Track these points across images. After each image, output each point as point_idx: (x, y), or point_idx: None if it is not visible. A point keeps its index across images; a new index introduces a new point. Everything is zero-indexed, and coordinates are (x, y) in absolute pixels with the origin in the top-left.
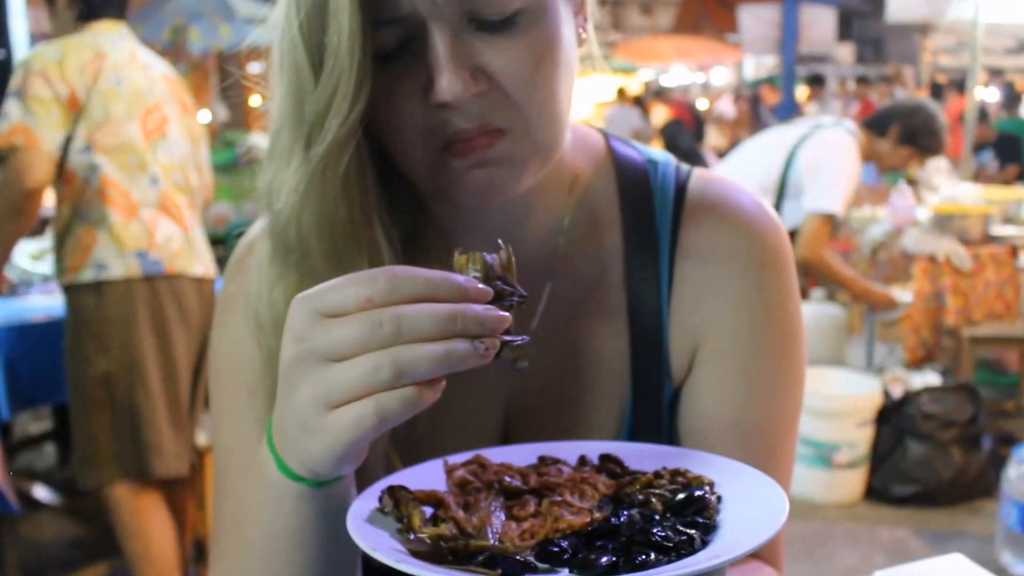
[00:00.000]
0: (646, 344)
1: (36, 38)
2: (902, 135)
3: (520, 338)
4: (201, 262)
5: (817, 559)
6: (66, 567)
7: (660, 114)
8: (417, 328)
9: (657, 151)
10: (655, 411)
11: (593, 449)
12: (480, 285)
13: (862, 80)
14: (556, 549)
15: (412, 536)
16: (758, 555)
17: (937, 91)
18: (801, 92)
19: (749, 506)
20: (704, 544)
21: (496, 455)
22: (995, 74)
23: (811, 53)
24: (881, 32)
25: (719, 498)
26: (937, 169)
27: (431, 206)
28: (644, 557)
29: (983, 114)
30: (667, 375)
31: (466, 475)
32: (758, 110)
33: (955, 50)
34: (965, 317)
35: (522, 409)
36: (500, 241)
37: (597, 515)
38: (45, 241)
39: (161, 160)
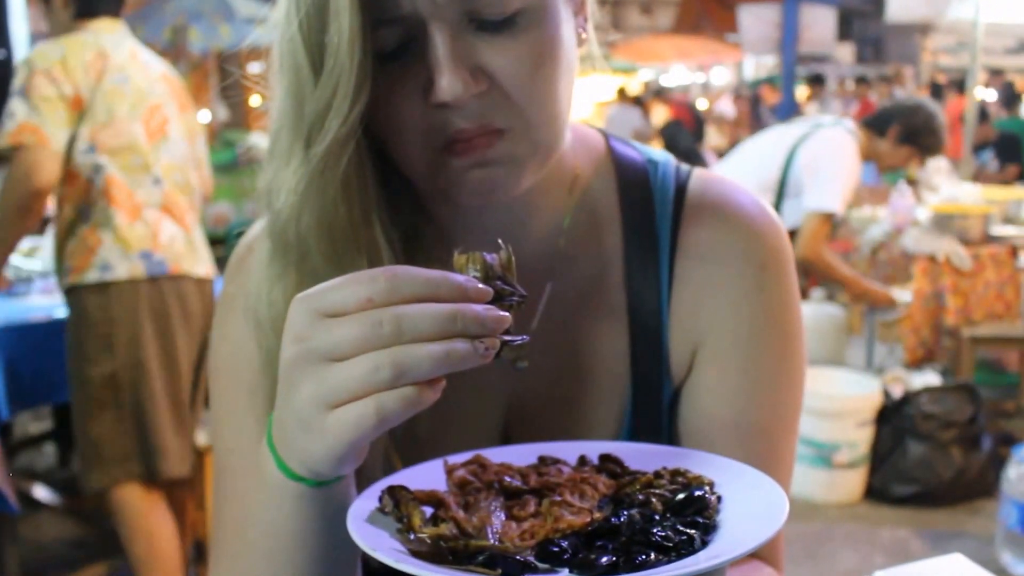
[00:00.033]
0: (646, 344)
1: (36, 38)
2: (902, 134)
3: (520, 338)
4: (202, 262)
5: (817, 559)
6: (66, 567)
7: (660, 114)
8: (417, 328)
9: (657, 151)
10: (655, 411)
11: (593, 449)
12: (480, 285)
13: (861, 80)
14: (556, 549)
15: (412, 536)
16: (758, 555)
17: (937, 91)
18: (801, 92)
19: (749, 506)
20: (704, 544)
21: (496, 455)
22: (995, 74)
23: (811, 53)
24: (881, 32)
25: (719, 498)
26: (937, 169)
27: (431, 206)
28: (644, 557)
29: (983, 114)
30: (667, 375)
31: (466, 475)
32: (758, 110)
33: (955, 50)
34: (965, 317)
35: (522, 409)
36: (500, 241)
37: (597, 515)
38: (39, 240)
39: (163, 161)
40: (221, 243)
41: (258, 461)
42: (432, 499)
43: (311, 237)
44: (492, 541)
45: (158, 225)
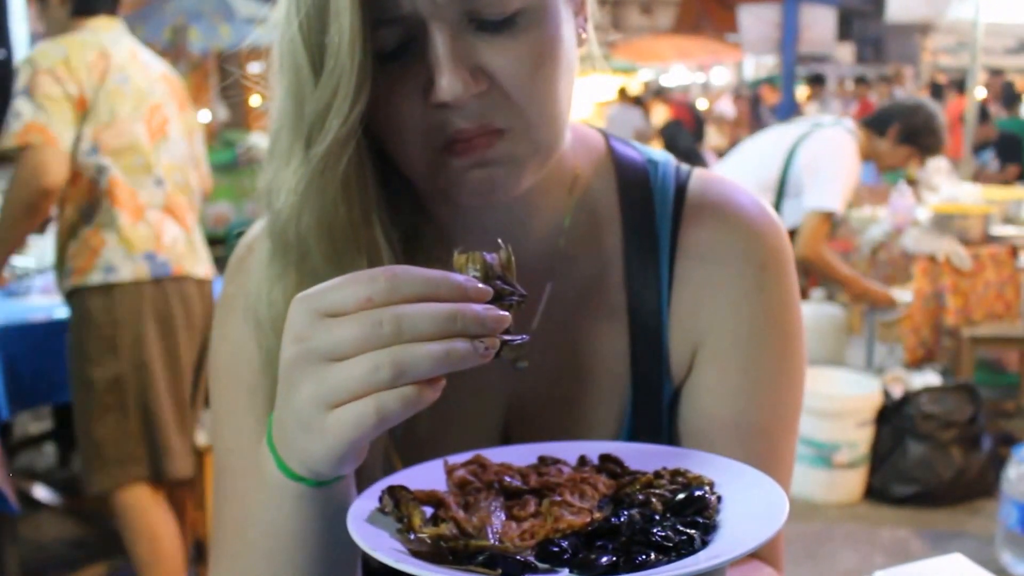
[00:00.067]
0: (646, 344)
1: (36, 38)
2: (902, 134)
3: (520, 337)
4: (202, 263)
5: (817, 559)
6: (66, 567)
7: (660, 114)
8: (417, 328)
9: (657, 151)
10: (655, 411)
11: (593, 449)
12: (480, 285)
13: (860, 80)
14: (556, 549)
15: (412, 536)
16: (758, 555)
17: (937, 91)
18: (801, 92)
19: (749, 506)
20: (704, 544)
21: (496, 455)
22: (995, 74)
23: (811, 53)
24: (881, 32)
25: (719, 498)
26: (937, 169)
27: (431, 206)
28: (644, 557)
29: (984, 114)
30: (667, 375)
31: (466, 475)
32: (758, 110)
33: (955, 50)
34: (965, 317)
35: (522, 409)
36: (500, 240)
37: (597, 515)
38: (38, 239)
39: (164, 161)
40: (221, 243)
41: (258, 461)
42: (432, 499)
43: (311, 237)
44: (492, 541)
45: (161, 226)
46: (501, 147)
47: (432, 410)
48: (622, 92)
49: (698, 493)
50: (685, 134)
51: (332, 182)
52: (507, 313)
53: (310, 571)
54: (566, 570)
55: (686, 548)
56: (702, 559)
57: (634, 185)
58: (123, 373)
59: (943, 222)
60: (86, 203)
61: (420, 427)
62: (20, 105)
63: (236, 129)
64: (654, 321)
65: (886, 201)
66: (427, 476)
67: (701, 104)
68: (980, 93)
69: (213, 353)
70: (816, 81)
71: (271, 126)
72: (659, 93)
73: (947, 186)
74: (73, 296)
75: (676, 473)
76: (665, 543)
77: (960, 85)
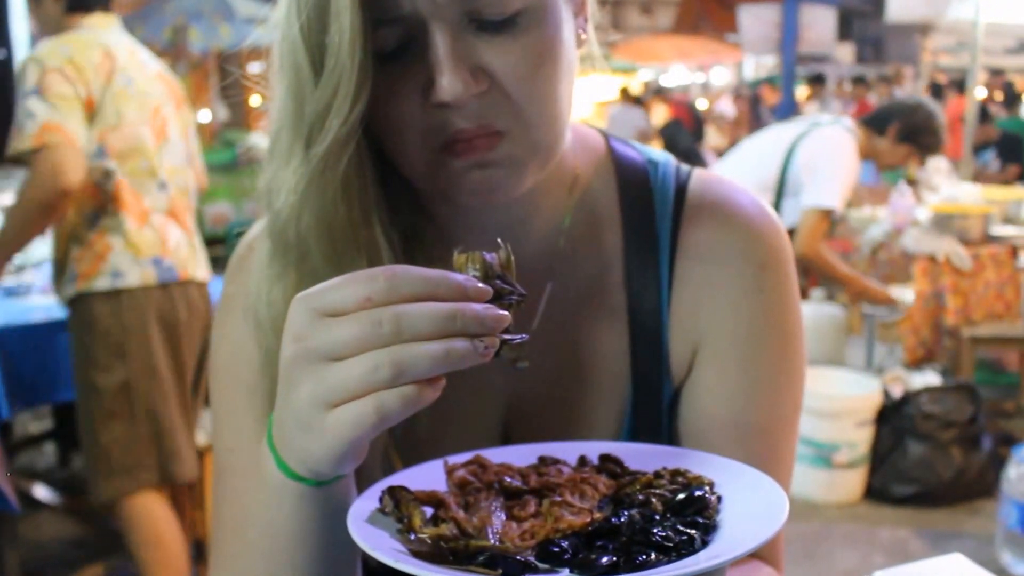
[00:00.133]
0: (646, 344)
1: (36, 38)
2: (901, 133)
3: (520, 337)
4: (202, 265)
5: (817, 559)
6: (66, 567)
7: (660, 114)
8: (416, 327)
9: (657, 151)
10: (655, 411)
11: (593, 449)
12: (479, 284)
13: (859, 81)
14: (556, 549)
15: (413, 536)
16: (758, 555)
17: (937, 91)
18: (801, 92)
19: (749, 506)
20: (704, 544)
21: (496, 455)
22: (995, 74)
23: (811, 53)
24: (881, 32)
25: (719, 498)
26: (937, 169)
27: (431, 206)
28: (644, 557)
29: (984, 114)
30: (667, 375)
31: (466, 475)
32: (758, 110)
33: (955, 50)
34: (965, 317)
35: (522, 409)
36: (499, 240)
37: (597, 515)
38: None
39: (166, 164)
40: (221, 243)
41: (258, 461)
42: (432, 499)
43: (311, 237)
44: (492, 541)
45: (165, 230)
46: (501, 148)
47: (432, 410)
48: (624, 92)
49: (698, 493)
50: (685, 134)
51: (332, 182)
52: (507, 313)
53: (310, 571)
54: (566, 570)
55: (686, 548)
56: (702, 559)
57: (634, 185)
58: (131, 379)
59: (943, 222)
60: (91, 207)
61: (420, 427)
62: (33, 105)
63: (236, 129)
64: (654, 321)
65: (886, 201)
66: (427, 476)
67: (701, 104)
68: (980, 93)
69: (213, 353)
70: (816, 81)
71: (271, 126)
72: (659, 93)
73: (947, 186)
74: (77, 301)
75: (676, 473)
76: (665, 543)
77: (960, 85)
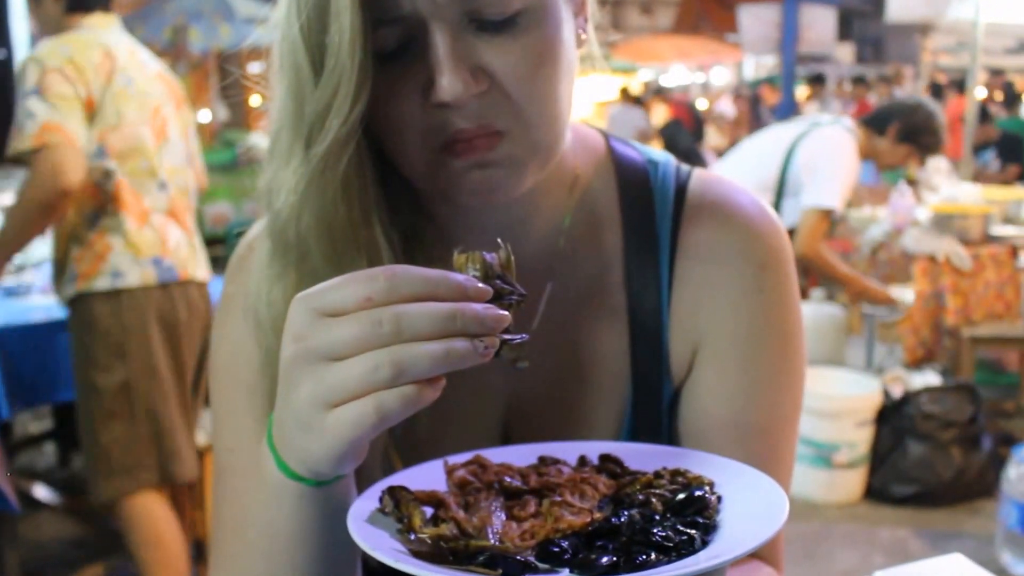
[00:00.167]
0: (646, 344)
1: (36, 38)
2: (901, 133)
3: (520, 337)
4: (202, 265)
5: (817, 559)
6: (66, 567)
7: (660, 114)
8: (416, 327)
9: (657, 151)
10: (655, 411)
11: (593, 449)
12: (479, 284)
13: (858, 81)
14: (556, 549)
15: (413, 536)
16: (758, 555)
17: (937, 91)
18: (801, 92)
19: (749, 506)
20: (704, 544)
21: (496, 455)
22: (995, 74)
23: (811, 53)
24: (881, 32)
25: (719, 498)
26: (937, 169)
27: (431, 206)
28: (644, 557)
29: (985, 114)
30: (667, 375)
31: (466, 475)
32: (758, 110)
33: (955, 50)
34: (965, 317)
35: (522, 409)
36: (499, 240)
37: (597, 515)
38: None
39: (166, 164)
40: (221, 243)
41: (258, 461)
42: (432, 499)
43: (311, 237)
44: (492, 541)
45: (165, 230)
46: (501, 148)
47: (432, 410)
48: (624, 92)
49: (698, 493)
50: (685, 134)
51: (332, 182)
52: (507, 312)
53: (310, 571)
54: (566, 570)
55: (686, 548)
56: (702, 559)
57: (634, 185)
58: (131, 379)
59: (943, 222)
60: (91, 207)
61: (420, 427)
62: (33, 105)
63: (236, 129)
64: (654, 321)
65: (886, 201)
66: (427, 476)
67: (701, 104)
68: (980, 93)
69: (213, 353)
70: (816, 81)
71: (271, 126)
72: (659, 93)
73: (947, 186)
74: (77, 301)
75: (676, 473)
76: (665, 543)
77: (960, 85)
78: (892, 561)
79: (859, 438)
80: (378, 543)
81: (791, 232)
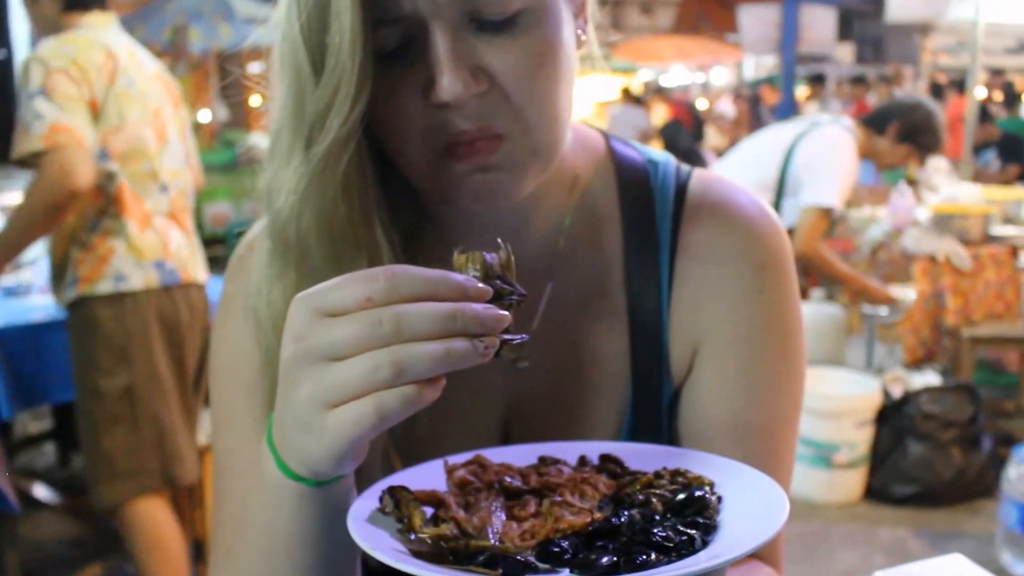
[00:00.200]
0: (646, 344)
1: (36, 38)
2: (901, 133)
3: (520, 337)
4: (201, 267)
5: (816, 559)
6: (66, 567)
7: (660, 114)
8: (416, 327)
9: (657, 151)
10: (655, 411)
11: (593, 449)
12: (479, 284)
13: (857, 81)
14: (557, 549)
15: (413, 536)
16: (758, 555)
17: (937, 91)
18: (801, 92)
19: (749, 506)
20: (704, 544)
21: (496, 455)
22: (995, 74)
23: (811, 53)
24: (881, 32)
25: (719, 498)
26: (937, 169)
27: (431, 206)
28: (645, 557)
29: (985, 114)
30: (667, 375)
31: (466, 475)
32: (758, 110)
33: (955, 50)
34: (965, 317)
35: (522, 409)
36: (499, 240)
37: (598, 515)
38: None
39: (166, 166)
40: (221, 243)
41: (258, 461)
42: (432, 499)
43: (311, 236)
44: (493, 541)
45: (167, 233)
46: (502, 152)
47: (432, 410)
48: (625, 92)
49: (698, 493)
50: (685, 134)
51: (332, 182)
52: (507, 313)
53: (310, 571)
54: (567, 570)
55: (686, 548)
56: (702, 559)
57: (634, 185)
58: (134, 383)
59: (943, 222)
60: (92, 210)
61: (420, 427)
62: (39, 106)
63: (236, 129)
64: (654, 321)
65: (886, 201)
66: (427, 476)
67: (701, 104)
68: (981, 93)
69: (213, 352)
70: (816, 81)
71: (272, 126)
72: (659, 93)
73: (947, 186)
74: (78, 305)
75: (676, 473)
76: (666, 543)
77: (960, 85)
78: (892, 561)
79: (859, 438)
80: (378, 543)
81: (790, 231)
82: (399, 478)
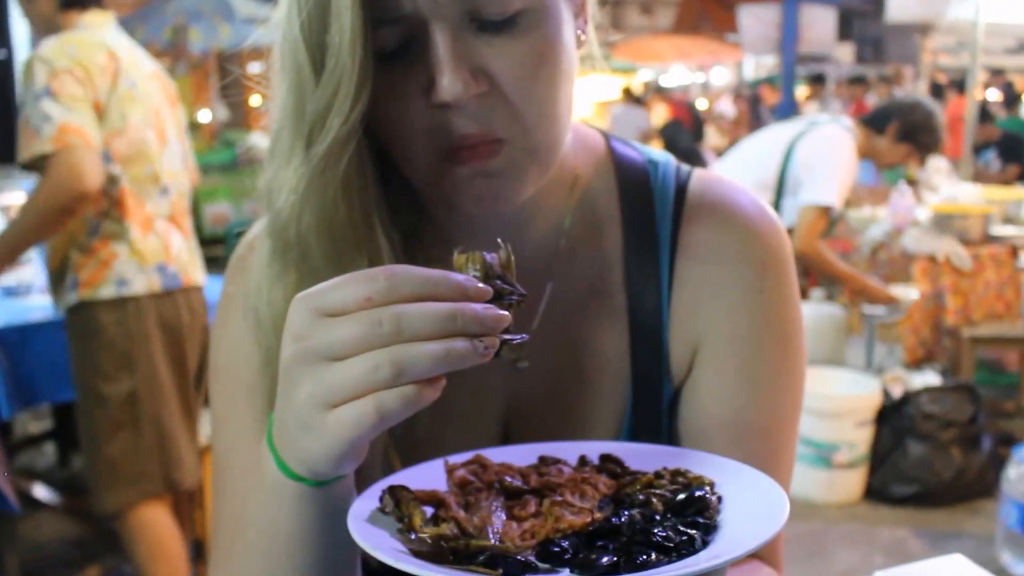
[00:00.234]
0: (646, 344)
1: (36, 38)
2: (900, 132)
3: (520, 337)
4: (200, 269)
5: (816, 559)
6: (66, 567)
7: (660, 114)
8: (416, 327)
9: (657, 151)
10: (655, 411)
11: (593, 449)
12: (480, 284)
13: (856, 81)
14: (557, 549)
15: (413, 536)
16: (758, 555)
17: (937, 91)
18: (801, 92)
19: (750, 506)
20: (705, 544)
21: (496, 455)
22: (995, 74)
23: (811, 53)
24: (881, 32)
25: (720, 498)
26: (937, 169)
27: (431, 206)
28: (645, 557)
29: (985, 114)
30: (667, 375)
31: (467, 475)
32: (758, 110)
33: (955, 50)
34: (965, 317)
35: (522, 409)
36: (499, 240)
37: (598, 515)
38: None
39: (167, 168)
40: (221, 243)
41: (257, 461)
42: (433, 499)
43: (311, 236)
44: (493, 541)
45: (168, 237)
46: (503, 156)
47: (432, 410)
48: (626, 92)
49: (699, 493)
50: (685, 134)
51: (332, 181)
52: (507, 312)
53: (310, 571)
54: (567, 570)
55: (687, 548)
56: (703, 559)
57: (634, 185)
58: (136, 388)
59: (943, 222)
60: (94, 213)
61: (419, 427)
62: (47, 107)
63: (236, 129)
64: (654, 321)
65: (886, 201)
66: (427, 476)
67: (701, 104)
68: (992, 95)
69: (213, 352)
70: (816, 81)
71: (272, 125)
72: (659, 92)
73: (947, 186)
74: (79, 309)
75: (677, 473)
76: (666, 543)
77: (960, 85)
78: (892, 561)
79: (859, 438)
80: (378, 543)
81: (790, 231)
82: (399, 478)
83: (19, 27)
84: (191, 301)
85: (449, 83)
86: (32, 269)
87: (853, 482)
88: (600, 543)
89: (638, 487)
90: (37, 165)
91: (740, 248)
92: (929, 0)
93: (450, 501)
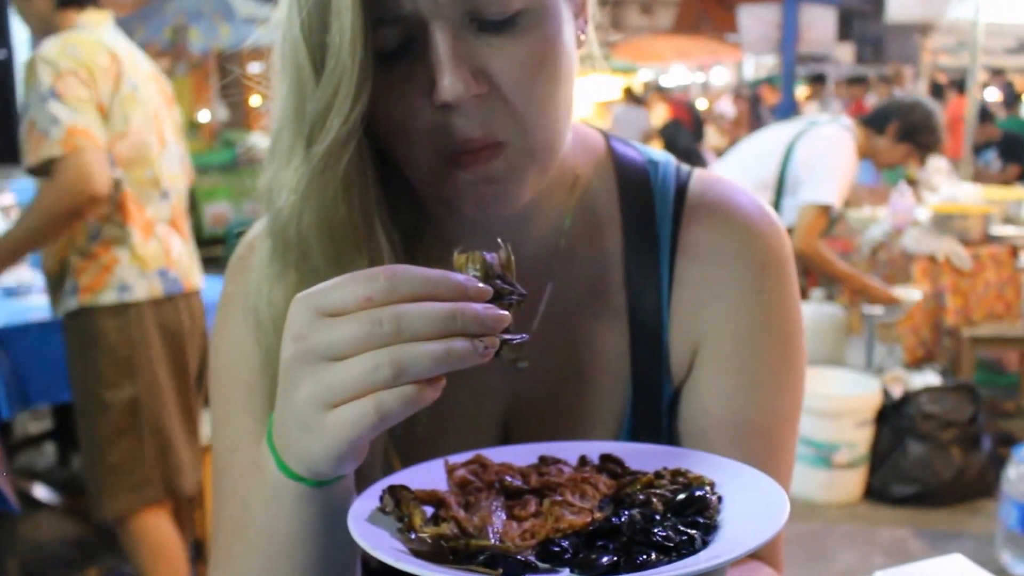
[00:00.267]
0: (646, 344)
1: (37, 38)
2: (900, 132)
3: (520, 337)
4: (199, 273)
5: (816, 559)
6: (66, 567)
7: (660, 114)
8: (416, 327)
9: (657, 151)
10: (655, 411)
11: (594, 449)
12: (480, 284)
13: (855, 81)
14: (557, 549)
15: (413, 536)
16: (758, 555)
17: (937, 91)
18: (801, 92)
19: (750, 506)
20: (705, 544)
21: (497, 455)
22: (995, 74)
23: (811, 53)
24: (881, 32)
25: (720, 498)
26: (937, 169)
27: (431, 206)
28: (645, 557)
29: (986, 114)
30: (667, 375)
31: (467, 475)
32: (758, 110)
33: (955, 50)
34: (965, 317)
35: (522, 409)
36: (500, 240)
37: (598, 515)
38: None
39: (166, 172)
40: (221, 243)
41: (257, 461)
42: (433, 499)
43: (311, 236)
44: (493, 541)
45: (168, 241)
46: (504, 159)
47: (432, 410)
48: (627, 92)
49: (699, 493)
50: (685, 134)
51: (333, 181)
52: (507, 312)
53: (310, 571)
54: (567, 570)
55: (687, 548)
56: (703, 559)
57: (634, 185)
58: (138, 394)
59: (943, 222)
60: (96, 217)
61: (419, 427)
62: (54, 109)
63: (236, 129)
64: (654, 321)
65: (886, 201)
66: (427, 476)
67: (701, 104)
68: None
69: (213, 353)
70: (816, 81)
71: (272, 125)
72: (659, 92)
73: (947, 186)
74: (79, 315)
75: (677, 473)
76: (666, 543)
77: (960, 85)
78: (892, 561)
79: (859, 438)
80: (378, 542)
81: (789, 230)
82: (399, 478)
83: (19, 27)
84: (191, 306)
85: (450, 83)
86: (31, 269)
87: (853, 482)
88: (600, 543)
89: (638, 487)
90: (44, 168)
91: (740, 248)
92: (929, 0)
93: (450, 501)
